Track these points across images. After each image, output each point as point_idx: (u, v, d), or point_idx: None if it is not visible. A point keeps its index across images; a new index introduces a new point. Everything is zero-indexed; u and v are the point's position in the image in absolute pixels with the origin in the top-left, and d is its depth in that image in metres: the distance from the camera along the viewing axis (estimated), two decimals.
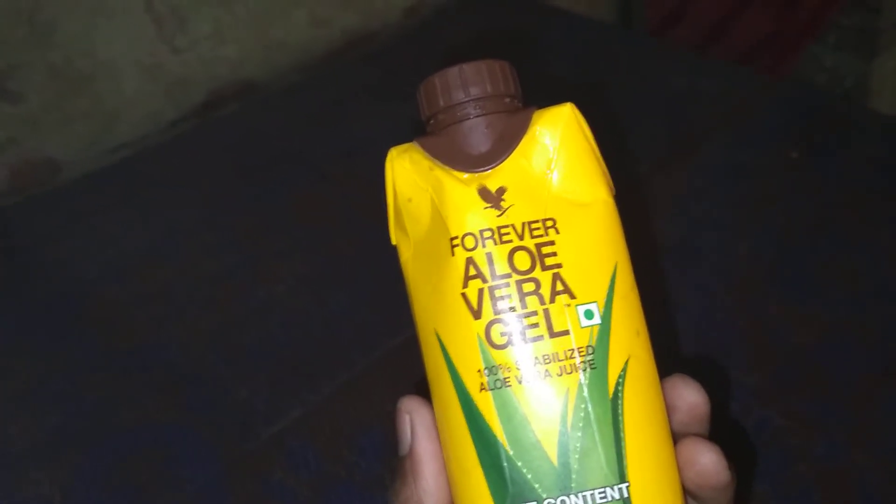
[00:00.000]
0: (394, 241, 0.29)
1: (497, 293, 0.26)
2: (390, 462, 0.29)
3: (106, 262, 0.66)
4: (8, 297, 0.64)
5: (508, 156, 0.27)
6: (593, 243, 0.27)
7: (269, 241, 0.67)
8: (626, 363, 0.26)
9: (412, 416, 0.28)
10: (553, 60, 0.83)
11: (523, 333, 0.25)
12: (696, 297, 0.57)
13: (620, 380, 0.26)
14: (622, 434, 0.25)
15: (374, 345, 0.56)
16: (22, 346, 0.60)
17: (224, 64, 0.85)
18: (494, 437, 0.25)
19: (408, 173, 0.28)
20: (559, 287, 0.26)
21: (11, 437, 0.53)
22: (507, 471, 0.25)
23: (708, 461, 0.26)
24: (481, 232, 0.26)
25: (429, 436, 0.28)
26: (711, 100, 0.79)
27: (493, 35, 0.90)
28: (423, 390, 0.29)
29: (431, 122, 0.29)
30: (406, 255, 0.29)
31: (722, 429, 0.29)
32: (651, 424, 0.26)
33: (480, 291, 0.26)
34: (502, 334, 0.25)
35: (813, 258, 0.60)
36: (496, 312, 0.26)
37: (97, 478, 0.50)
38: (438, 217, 0.27)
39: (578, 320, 0.26)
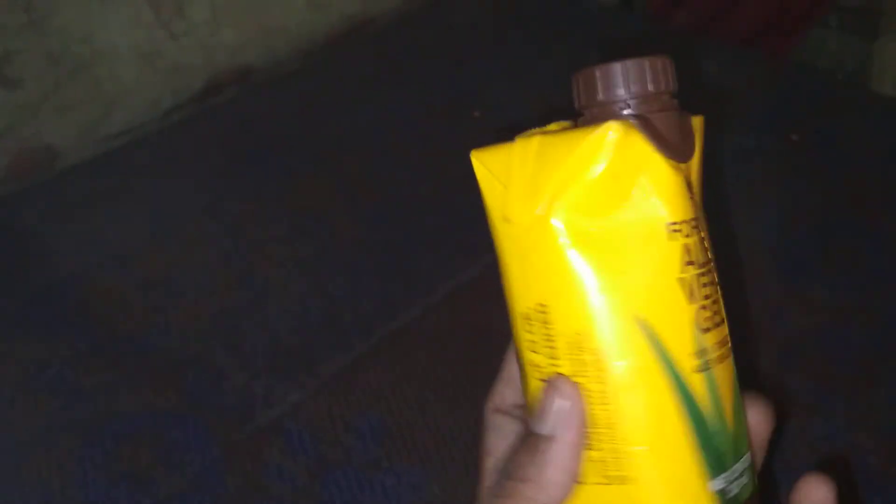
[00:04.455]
0: (569, 224, 0.28)
1: (702, 280, 0.28)
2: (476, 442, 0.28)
3: (105, 248, 0.66)
4: (7, 283, 0.64)
5: (695, 152, 0.29)
6: None
7: (267, 226, 0.67)
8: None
9: (573, 403, 0.27)
10: (554, 43, 0.83)
11: (714, 319, 0.28)
12: None
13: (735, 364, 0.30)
14: (743, 409, 0.29)
15: (372, 329, 0.56)
16: (22, 332, 0.60)
17: (222, 49, 0.84)
18: (706, 416, 0.27)
19: (627, 152, 0.27)
20: (717, 279, 0.29)
21: (11, 423, 0.53)
22: (716, 447, 0.27)
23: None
24: (690, 220, 0.28)
25: (578, 429, 0.27)
26: (712, 83, 0.78)
27: (493, 19, 0.89)
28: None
29: (619, 105, 0.29)
30: (586, 236, 0.27)
31: None
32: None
33: (694, 277, 0.27)
34: (706, 319, 0.28)
35: (813, 241, 0.60)
36: (703, 298, 0.28)
37: (97, 462, 0.50)
38: (646, 201, 0.27)
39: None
